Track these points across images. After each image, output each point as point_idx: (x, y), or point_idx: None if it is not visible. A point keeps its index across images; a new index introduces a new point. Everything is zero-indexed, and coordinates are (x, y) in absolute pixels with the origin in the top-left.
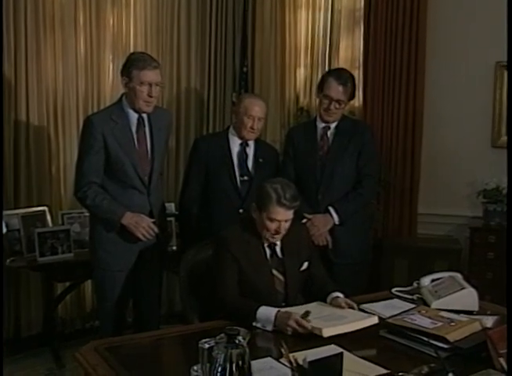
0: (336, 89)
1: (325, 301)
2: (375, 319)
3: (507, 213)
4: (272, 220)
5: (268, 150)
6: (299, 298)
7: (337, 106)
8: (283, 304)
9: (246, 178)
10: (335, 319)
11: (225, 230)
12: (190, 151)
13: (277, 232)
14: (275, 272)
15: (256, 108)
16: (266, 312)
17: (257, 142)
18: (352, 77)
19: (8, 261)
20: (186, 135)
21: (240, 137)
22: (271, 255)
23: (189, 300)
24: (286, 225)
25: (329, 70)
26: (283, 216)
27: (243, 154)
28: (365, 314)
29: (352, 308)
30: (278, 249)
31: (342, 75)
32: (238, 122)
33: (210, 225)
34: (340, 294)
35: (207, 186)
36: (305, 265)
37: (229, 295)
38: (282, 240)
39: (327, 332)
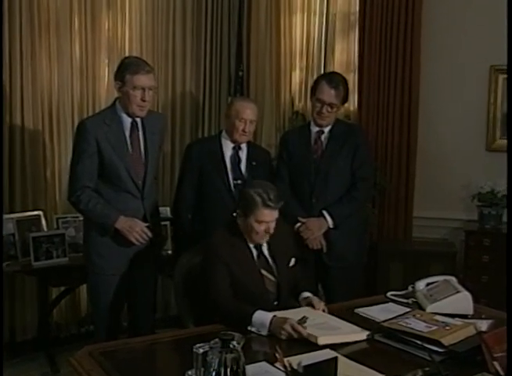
0: (328, 93)
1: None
2: (364, 335)
3: (507, 213)
4: (260, 222)
5: (261, 152)
6: (291, 300)
7: (330, 109)
8: (276, 303)
9: (239, 181)
10: (330, 328)
11: (213, 236)
12: (183, 156)
13: (267, 232)
14: (264, 272)
15: (247, 111)
16: (262, 317)
17: (249, 145)
18: (345, 80)
19: (3, 265)
20: (182, 139)
21: (233, 140)
22: (258, 256)
23: (183, 304)
24: (273, 224)
25: (321, 74)
26: (270, 217)
27: (235, 158)
28: (359, 328)
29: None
30: (265, 249)
31: (334, 79)
32: (230, 126)
33: (205, 228)
34: (310, 294)
35: (201, 190)
36: (293, 260)
37: (223, 298)
38: (268, 241)
39: (322, 340)
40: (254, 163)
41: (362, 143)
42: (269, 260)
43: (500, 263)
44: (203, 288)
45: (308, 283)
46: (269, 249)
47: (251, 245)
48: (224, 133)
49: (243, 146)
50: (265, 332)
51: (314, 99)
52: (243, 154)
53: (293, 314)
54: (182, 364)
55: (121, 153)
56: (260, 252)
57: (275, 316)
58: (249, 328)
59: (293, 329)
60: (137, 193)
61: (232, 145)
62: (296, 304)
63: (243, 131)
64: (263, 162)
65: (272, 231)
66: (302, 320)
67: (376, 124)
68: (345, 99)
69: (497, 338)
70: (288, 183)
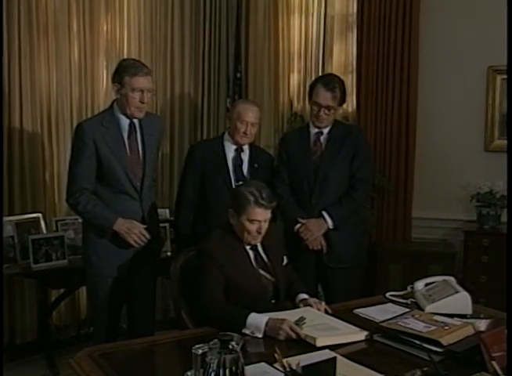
0: (324, 96)
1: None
2: (362, 336)
3: (507, 214)
4: (252, 221)
5: (263, 155)
6: (286, 301)
7: (327, 111)
8: (273, 301)
9: (241, 183)
10: (328, 329)
11: (207, 239)
12: (185, 157)
13: (258, 232)
14: (262, 272)
15: (249, 113)
16: (257, 319)
17: (252, 147)
18: (341, 82)
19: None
20: (180, 141)
21: (234, 142)
22: (255, 257)
23: (180, 302)
24: (266, 225)
25: (317, 77)
26: (262, 216)
27: (238, 160)
28: (358, 329)
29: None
30: (260, 250)
31: (330, 81)
32: (231, 127)
33: (207, 230)
34: (307, 296)
35: (203, 191)
36: (285, 259)
37: (216, 302)
38: (262, 241)
39: (321, 342)
40: (255, 165)
41: (361, 144)
42: (265, 259)
43: (499, 263)
44: (196, 291)
45: (302, 284)
46: (264, 249)
47: (248, 247)
48: (226, 135)
49: (246, 148)
50: (260, 334)
51: (311, 102)
52: (245, 156)
53: (290, 315)
54: (182, 365)
55: (119, 155)
56: (257, 253)
57: (270, 318)
58: (243, 331)
59: (291, 329)
60: (135, 194)
61: (234, 147)
62: (290, 305)
63: (244, 133)
64: (265, 165)
65: (263, 231)
66: (300, 321)
67: (375, 126)
68: (343, 101)
69: (496, 337)
70: (287, 184)
